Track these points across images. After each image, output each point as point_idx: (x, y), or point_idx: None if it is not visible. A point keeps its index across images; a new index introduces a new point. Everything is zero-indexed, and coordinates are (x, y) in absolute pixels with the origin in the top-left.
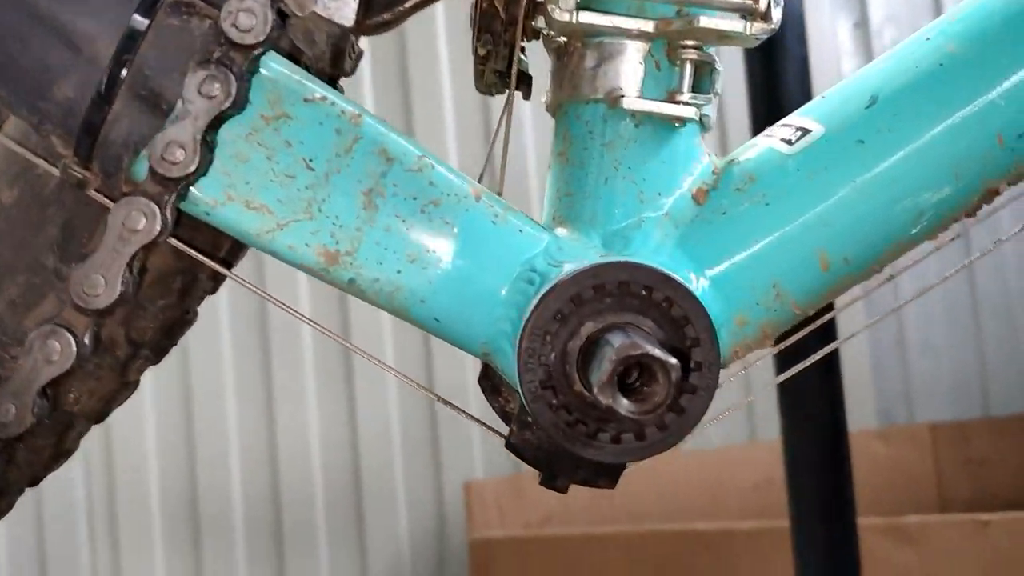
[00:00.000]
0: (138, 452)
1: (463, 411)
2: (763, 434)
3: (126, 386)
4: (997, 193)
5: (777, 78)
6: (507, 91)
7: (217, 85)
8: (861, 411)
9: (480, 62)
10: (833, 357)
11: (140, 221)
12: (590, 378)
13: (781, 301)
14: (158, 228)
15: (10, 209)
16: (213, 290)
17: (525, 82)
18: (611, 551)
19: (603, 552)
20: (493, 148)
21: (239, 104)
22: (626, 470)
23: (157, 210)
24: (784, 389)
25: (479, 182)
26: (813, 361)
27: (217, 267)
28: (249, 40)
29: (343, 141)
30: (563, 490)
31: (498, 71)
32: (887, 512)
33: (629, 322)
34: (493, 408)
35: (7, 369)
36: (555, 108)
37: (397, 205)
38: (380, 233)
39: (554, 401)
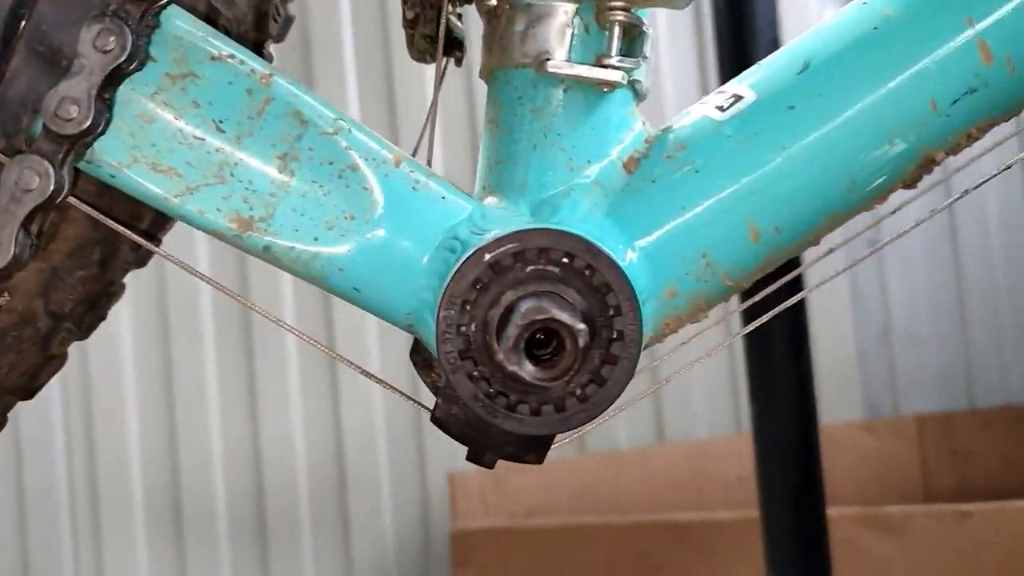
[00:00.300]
0: (121, 449)
1: (380, 379)
2: (749, 426)
3: (50, 360)
4: (935, 162)
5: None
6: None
7: (112, 39)
8: (846, 403)
9: (409, 26)
10: (803, 344)
11: (33, 180)
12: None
13: (712, 272)
14: (52, 187)
15: None
16: (139, 263)
17: (459, 48)
18: (593, 542)
19: (585, 543)
20: (430, 117)
21: (137, 59)
22: (555, 444)
23: (51, 168)
24: (754, 376)
25: (415, 153)
26: (778, 311)
27: (136, 238)
28: None
29: (254, 102)
30: (490, 465)
31: (428, 36)
32: (872, 504)
33: (549, 291)
34: (426, 384)
35: None
36: (487, 74)
37: (313, 170)
38: (296, 199)
39: (474, 372)
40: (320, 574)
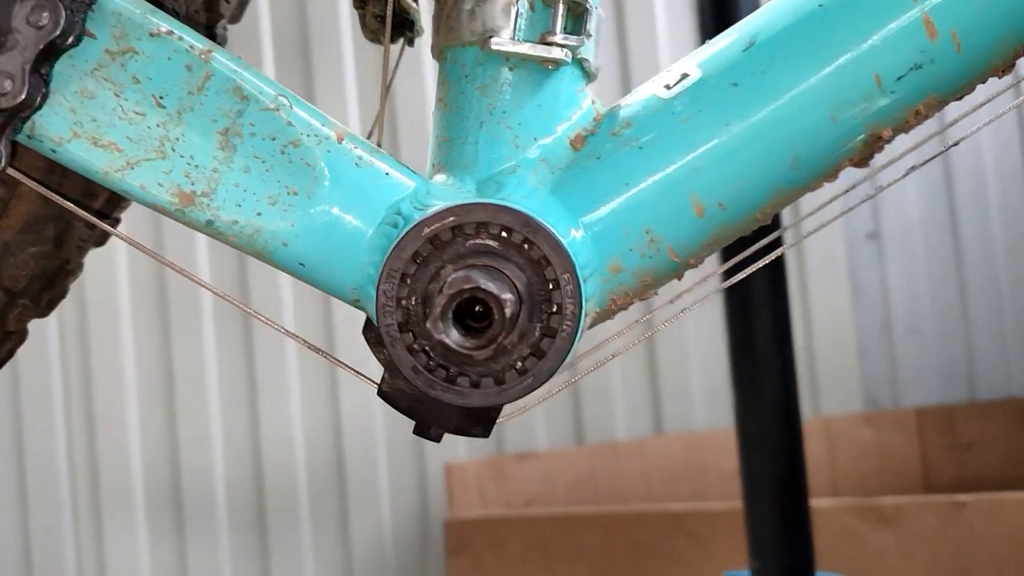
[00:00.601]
0: (121, 439)
1: (331, 357)
2: None
3: (7, 336)
4: (882, 139)
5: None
6: (400, 39)
7: (45, 14)
8: (847, 395)
9: (358, 5)
10: (786, 331)
11: None
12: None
13: (656, 247)
14: None
15: None
16: (97, 242)
17: (410, 28)
18: (586, 531)
19: (579, 532)
20: (383, 97)
21: (72, 35)
22: (500, 420)
23: None
24: (737, 368)
25: (370, 136)
26: (758, 268)
27: (85, 215)
28: None
29: (194, 78)
30: (436, 439)
31: (379, 16)
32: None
33: (487, 264)
34: (378, 360)
35: None
36: (437, 53)
37: (255, 146)
38: (238, 174)
39: (413, 344)
40: (319, 563)
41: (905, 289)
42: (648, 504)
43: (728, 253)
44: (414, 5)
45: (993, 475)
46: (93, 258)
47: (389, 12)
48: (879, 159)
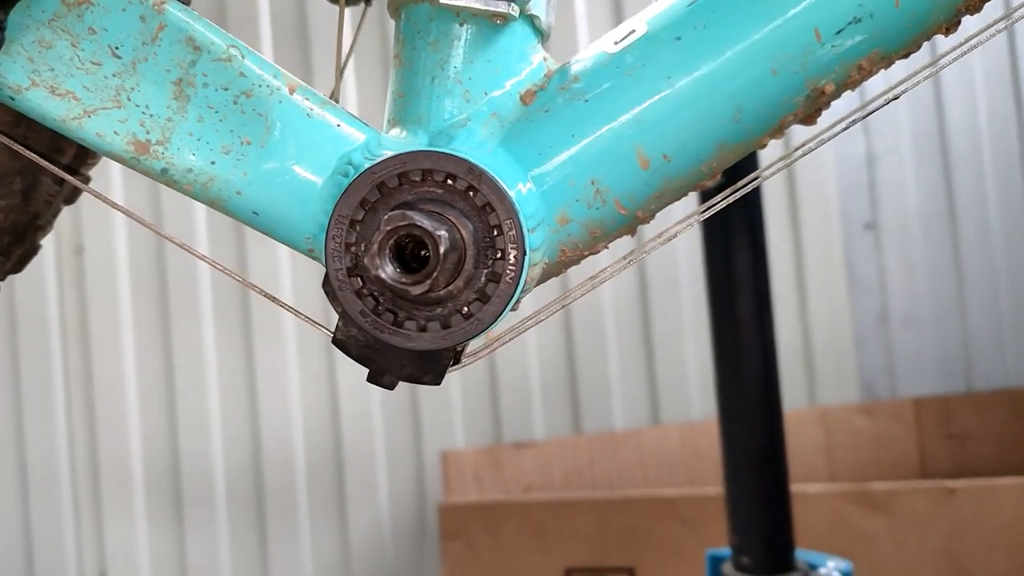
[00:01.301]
0: (121, 427)
1: (283, 304)
2: None
3: None
4: (824, 94)
5: None
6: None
7: None
8: (843, 386)
9: None
10: (765, 305)
11: None
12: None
13: (602, 198)
14: None
15: None
16: (67, 199)
17: None
18: (580, 517)
19: (572, 517)
20: (339, 53)
21: None
22: (453, 371)
23: None
24: (718, 342)
25: (333, 95)
26: (733, 198)
27: (54, 168)
28: None
29: (148, 29)
30: (390, 387)
31: None
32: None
33: (432, 210)
34: (336, 311)
35: None
36: (392, 11)
37: (208, 96)
38: (192, 124)
39: (362, 289)
40: (316, 548)
41: (902, 280)
42: (642, 488)
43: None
44: None
45: (989, 465)
46: (92, 244)
47: None
48: (872, 84)
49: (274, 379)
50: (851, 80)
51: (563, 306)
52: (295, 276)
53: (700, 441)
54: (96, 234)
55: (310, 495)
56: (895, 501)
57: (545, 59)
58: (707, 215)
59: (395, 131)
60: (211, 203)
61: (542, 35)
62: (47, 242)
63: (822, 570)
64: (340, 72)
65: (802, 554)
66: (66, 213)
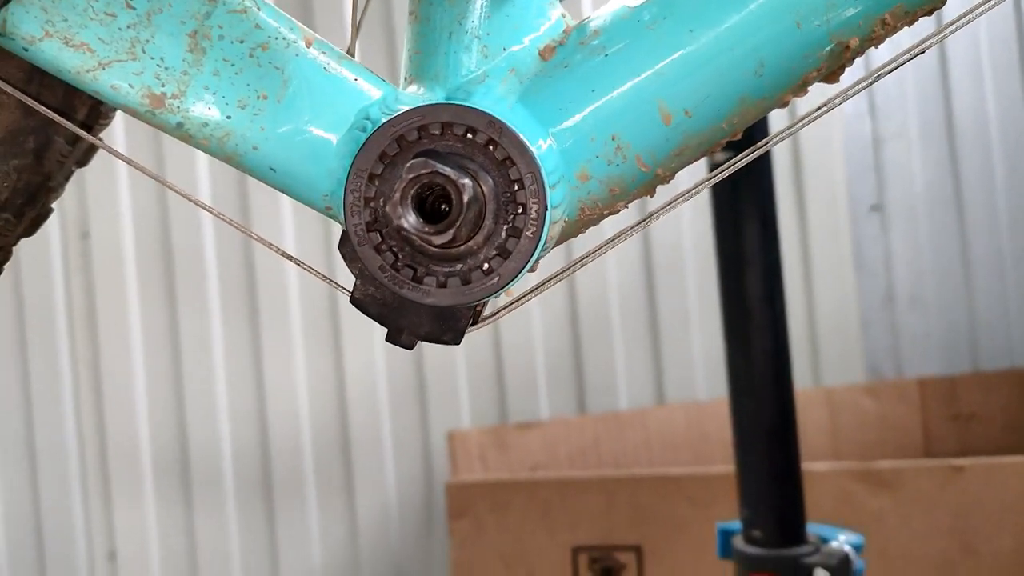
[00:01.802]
0: (129, 409)
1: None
2: None
3: None
4: (849, 49)
5: None
6: None
7: None
8: (849, 366)
9: None
10: (776, 283)
11: None
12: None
13: (623, 154)
14: None
15: None
16: (80, 160)
17: None
18: (586, 495)
19: (578, 496)
20: (356, 9)
21: None
22: (471, 331)
23: None
24: (728, 319)
25: (348, 50)
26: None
27: (70, 124)
28: None
29: None
30: (408, 346)
31: None
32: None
33: (453, 165)
34: (353, 274)
35: None
36: None
37: (224, 48)
38: (208, 77)
39: (381, 244)
40: (324, 528)
41: (908, 260)
42: (648, 468)
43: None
44: None
45: (994, 445)
46: (99, 228)
47: None
48: (879, 53)
49: (280, 361)
50: (875, 36)
51: (583, 265)
52: (300, 243)
53: (706, 422)
54: (102, 219)
55: (317, 476)
56: (901, 479)
57: (564, 15)
58: (715, 179)
59: (412, 87)
60: (227, 159)
61: None
62: (53, 227)
63: (833, 543)
64: (356, 28)
65: (813, 528)
66: (72, 197)
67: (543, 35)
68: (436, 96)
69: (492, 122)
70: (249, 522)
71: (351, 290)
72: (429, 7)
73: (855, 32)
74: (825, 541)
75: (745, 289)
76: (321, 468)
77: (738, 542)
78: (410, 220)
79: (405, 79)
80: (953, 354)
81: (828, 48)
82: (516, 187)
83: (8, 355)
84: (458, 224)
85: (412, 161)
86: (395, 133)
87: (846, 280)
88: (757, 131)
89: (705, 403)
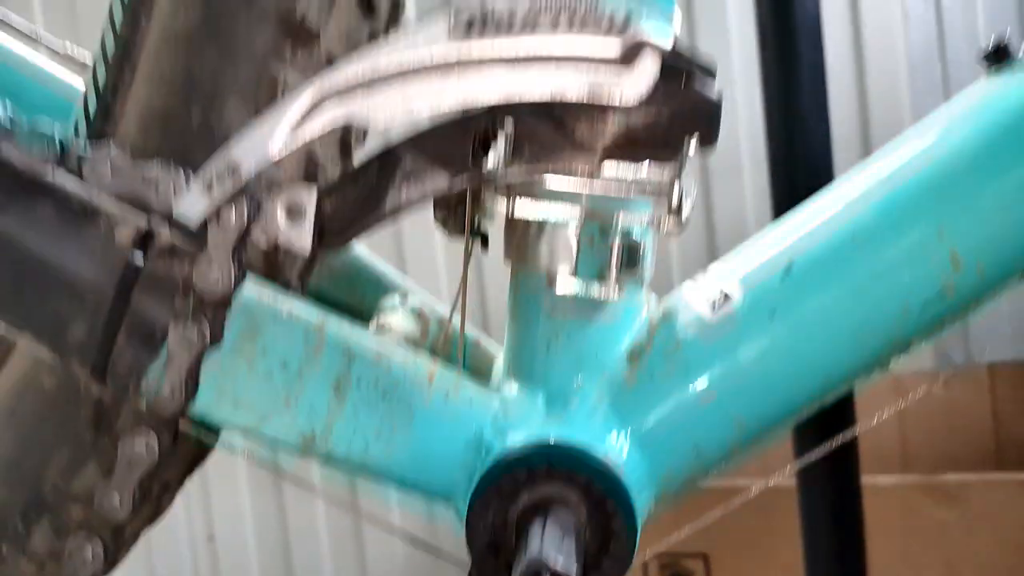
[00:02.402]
0: None
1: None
2: None
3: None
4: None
5: (792, 84)
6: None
7: (195, 330)
8: (917, 352)
9: (439, 222)
10: None
11: (142, 449)
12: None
13: (701, 460)
14: (156, 457)
15: (52, 392)
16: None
17: (484, 243)
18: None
19: None
20: (461, 291)
21: (217, 340)
22: None
23: (156, 442)
24: None
25: (450, 319)
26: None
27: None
28: (218, 293)
29: (311, 345)
30: None
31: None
32: (940, 459)
33: (556, 500)
34: None
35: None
36: (509, 263)
37: (362, 392)
38: (349, 417)
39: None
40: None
41: None
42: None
43: None
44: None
45: None
46: None
47: (468, 219)
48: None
49: None
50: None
51: None
52: None
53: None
54: None
55: None
56: (967, 493)
57: (648, 306)
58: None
59: (513, 387)
60: (364, 476)
61: (645, 284)
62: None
63: None
64: (463, 308)
65: None
66: None
67: (632, 336)
68: (535, 402)
69: (586, 461)
70: (337, 502)
71: None
72: (528, 315)
73: (912, 340)
74: None
75: None
76: None
77: None
78: None
79: (508, 369)
80: None
81: (878, 362)
82: (610, 515)
83: None
84: None
85: (531, 552)
86: (507, 474)
87: None
88: None
89: None
